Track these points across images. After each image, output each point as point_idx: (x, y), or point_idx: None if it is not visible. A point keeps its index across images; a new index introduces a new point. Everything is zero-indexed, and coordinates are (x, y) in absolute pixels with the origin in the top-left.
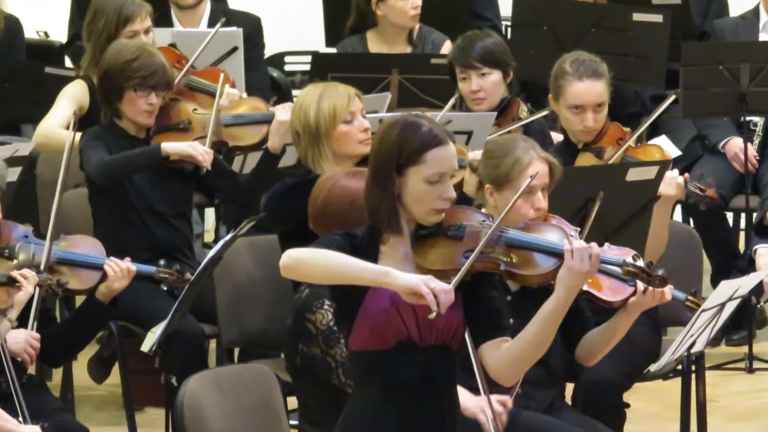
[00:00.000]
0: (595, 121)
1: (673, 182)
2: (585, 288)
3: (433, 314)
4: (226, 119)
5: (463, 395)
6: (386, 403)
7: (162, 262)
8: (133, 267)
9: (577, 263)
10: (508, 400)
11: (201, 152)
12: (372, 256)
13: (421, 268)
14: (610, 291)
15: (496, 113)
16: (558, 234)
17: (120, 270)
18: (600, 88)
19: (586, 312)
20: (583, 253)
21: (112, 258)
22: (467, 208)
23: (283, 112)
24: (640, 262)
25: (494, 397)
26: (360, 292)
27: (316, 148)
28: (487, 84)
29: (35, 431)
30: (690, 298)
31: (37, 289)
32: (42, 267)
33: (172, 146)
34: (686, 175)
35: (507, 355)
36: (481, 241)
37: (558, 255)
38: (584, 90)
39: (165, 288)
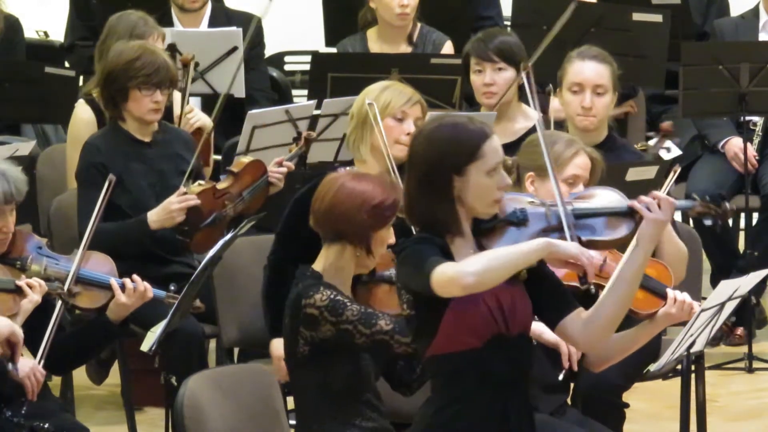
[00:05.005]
0: (594, 106)
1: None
2: None
3: (587, 286)
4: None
5: (539, 326)
6: (478, 399)
7: (172, 287)
8: (151, 292)
9: (657, 214)
10: None
11: (177, 210)
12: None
13: None
14: (641, 302)
15: (496, 113)
16: (614, 194)
17: (133, 288)
18: (601, 69)
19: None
20: (663, 203)
21: (137, 279)
22: (510, 194)
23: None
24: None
25: None
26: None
27: (360, 132)
28: (501, 79)
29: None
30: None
31: (58, 304)
32: (66, 286)
33: (156, 222)
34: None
35: (597, 322)
36: (558, 217)
37: (628, 214)
38: (584, 68)
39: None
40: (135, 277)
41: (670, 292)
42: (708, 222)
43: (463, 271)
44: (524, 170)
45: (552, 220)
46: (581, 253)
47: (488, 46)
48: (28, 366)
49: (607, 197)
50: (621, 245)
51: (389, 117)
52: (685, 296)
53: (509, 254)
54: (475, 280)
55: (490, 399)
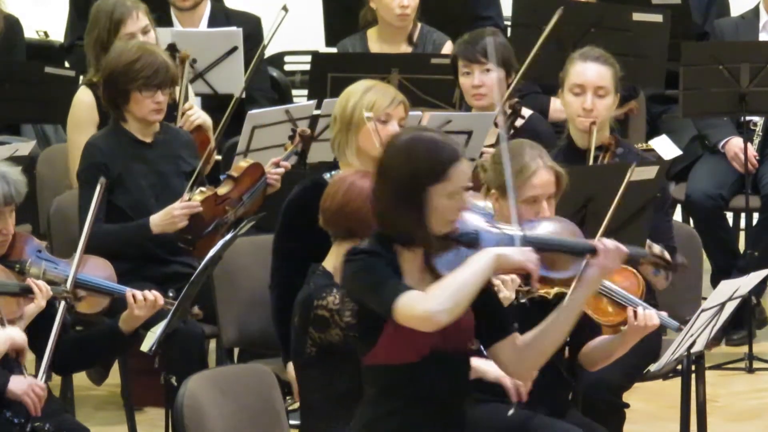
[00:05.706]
0: (595, 108)
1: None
2: None
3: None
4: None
5: (483, 363)
6: (413, 416)
7: (171, 293)
8: (161, 300)
9: (610, 262)
10: None
11: (179, 216)
12: (396, 271)
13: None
14: (605, 313)
15: (495, 113)
16: (570, 227)
17: (143, 300)
18: (603, 71)
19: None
20: (612, 252)
21: (144, 292)
22: (470, 209)
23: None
24: (656, 250)
25: None
26: None
27: (345, 135)
28: (490, 80)
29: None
30: (681, 327)
31: (61, 305)
32: (68, 286)
33: (158, 226)
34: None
35: (529, 352)
36: (510, 243)
37: (579, 254)
38: (586, 69)
39: None
40: (146, 292)
41: (630, 310)
42: (659, 273)
43: (433, 310)
44: (490, 185)
45: (503, 245)
46: (527, 260)
47: (475, 48)
48: (25, 384)
49: (565, 231)
50: (562, 284)
51: (374, 119)
52: (642, 309)
53: (469, 279)
54: (447, 317)
55: (425, 416)
